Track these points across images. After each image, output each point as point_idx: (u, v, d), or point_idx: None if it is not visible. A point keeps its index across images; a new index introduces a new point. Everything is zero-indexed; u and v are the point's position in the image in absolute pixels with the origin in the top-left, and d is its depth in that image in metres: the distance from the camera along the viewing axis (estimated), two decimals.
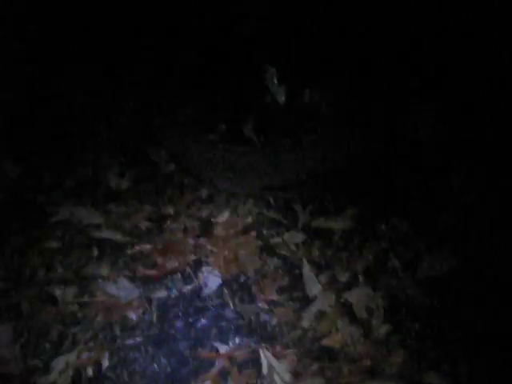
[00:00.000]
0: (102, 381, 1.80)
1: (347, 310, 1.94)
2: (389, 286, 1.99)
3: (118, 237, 2.18)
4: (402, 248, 2.10)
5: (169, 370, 1.82)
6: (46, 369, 1.82)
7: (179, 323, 1.96)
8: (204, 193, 2.28)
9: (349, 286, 2.02)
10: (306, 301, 1.99)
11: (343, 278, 2.04)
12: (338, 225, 2.16)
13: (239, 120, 2.28)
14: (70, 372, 1.80)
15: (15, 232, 2.23)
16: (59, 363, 1.83)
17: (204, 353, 1.85)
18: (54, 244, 2.18)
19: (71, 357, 1.84)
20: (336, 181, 2.22)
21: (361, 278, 2.03)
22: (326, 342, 1.85)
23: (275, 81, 2.28)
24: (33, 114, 2.54)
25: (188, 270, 2.09)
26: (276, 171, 2.19)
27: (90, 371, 1.81)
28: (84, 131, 2.55)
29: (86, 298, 2.04)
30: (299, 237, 2.14)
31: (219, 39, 2.43)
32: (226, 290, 2.03)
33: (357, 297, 1.98)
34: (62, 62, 2.57)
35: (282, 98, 2.27)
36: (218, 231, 2.16)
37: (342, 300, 1.97)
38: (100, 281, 2.07)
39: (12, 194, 2.36)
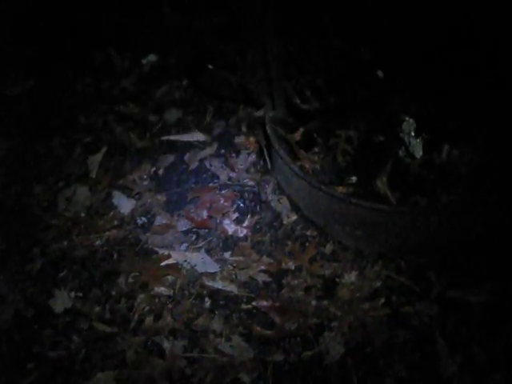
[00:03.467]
0: None
1: None
2: None
3: (232, 289, 2.03)
4: None
5: None
6: None
7: None
8: (328, 249, 2.10)
9: (488, 370, 1.80)
10: (440, 381, 1.78)
11: (481, 359, 1.82)
12: (476, 298, 1.94)
13: (372, 173, 2.10)
14: None
15: (123, 273, 2.12)
16: None
17: None
18: (165, 291, 2.05)
19: None
20: (476, 249, 2.00)
21: (502, 361, 1.81)
22: None
23: (413, 133, 2.10)
24: None
25: (309, 333, 1.91)
26: (410, 233, 1.98)
27: None
28: None
29: (195, 354, 1.90)
30: (433, 308, 1.93)
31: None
32: (349, 361, 1.84)
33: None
34: None
35: (419, 153, 2.09)
36: (343, 293, 1.97)
37: None
38: (212, 336, 1.93)
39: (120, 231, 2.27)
